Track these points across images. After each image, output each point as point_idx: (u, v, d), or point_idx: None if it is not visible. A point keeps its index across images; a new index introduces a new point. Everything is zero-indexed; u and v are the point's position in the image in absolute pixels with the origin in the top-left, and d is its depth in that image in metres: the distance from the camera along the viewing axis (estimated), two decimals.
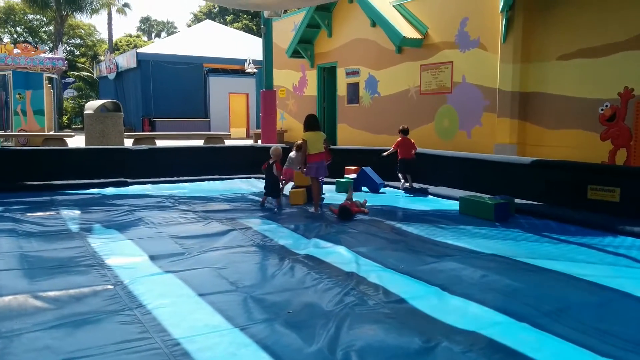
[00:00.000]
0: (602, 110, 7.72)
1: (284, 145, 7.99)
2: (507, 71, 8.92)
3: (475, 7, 9.63)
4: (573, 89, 8.13)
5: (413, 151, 7.98)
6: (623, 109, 7.43)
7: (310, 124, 6.36)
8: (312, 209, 6.42)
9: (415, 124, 11.06)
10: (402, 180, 8.14)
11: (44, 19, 36.90)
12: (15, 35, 37.57)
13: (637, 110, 7.21)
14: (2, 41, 30.89)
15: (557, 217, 5.81)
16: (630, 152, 7.32)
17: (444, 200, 7.32)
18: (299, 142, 6.58)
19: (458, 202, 6.49)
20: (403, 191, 8.07)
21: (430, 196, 7.68)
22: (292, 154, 7.42)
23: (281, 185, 7.06)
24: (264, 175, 6.82)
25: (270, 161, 6.71)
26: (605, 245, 4.80)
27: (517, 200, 6.37)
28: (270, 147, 7.08)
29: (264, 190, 6.79)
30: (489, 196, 6.35)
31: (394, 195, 7.80)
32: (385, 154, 8.25)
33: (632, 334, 2.82)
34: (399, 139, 8.06)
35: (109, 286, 3.49)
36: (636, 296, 3.43)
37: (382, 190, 8.18)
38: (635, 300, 3.38)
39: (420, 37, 10.80)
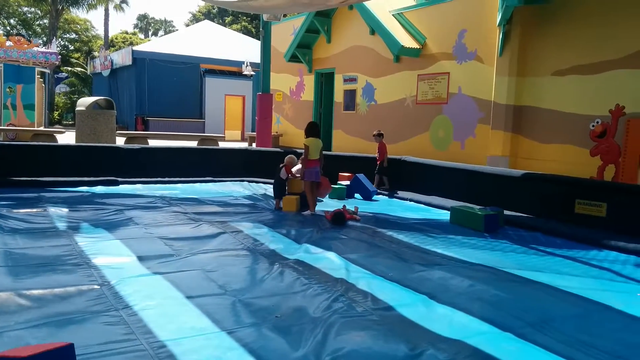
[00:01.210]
0: (593, 126, 7.85)
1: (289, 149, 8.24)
2: (502, 84, 9.04)
3: (474, 19, 9.76)
4: (566, 104, 8.27)
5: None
6: (613, 126, 7.57)
7: (312, 130, 6.68)
8: (306, 212, 6.55)
9: (411, 133, 11.16)
10: (386, 184, 8.63)
11: (39, 12, 36.76)
12: (8, 28, 37.37)
13: (627, 128, 7.34)
14: None
15: (544, 230, 5.90)
16: (618, 168, 7.45)
17: (435, 209, 7.40)
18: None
19: (449, 212, 6.57)
20: (387, 194, 8.44)
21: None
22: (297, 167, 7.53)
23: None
24: (256, 179, 6.94)
25: (281, 165, 6.98)
26: (590, 258, 4.91)
27: (506, 212, 6.46)
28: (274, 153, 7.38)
29: (272, 194, 7.18)
30: (480, 207, 6.43)
31: (386, 203, 7.87)
32: (386, 164, 8.67)
33: (611, 346, 2.90)
34: (382, 143, 8.61)
35: (95, 286, 3.50)
36: (617, 309, 3.52)
37: (374, 197, 8.25)
38: (615, 312, 3.47)
39: (418, 47, 10.92)
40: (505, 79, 8.97)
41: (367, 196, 8.15)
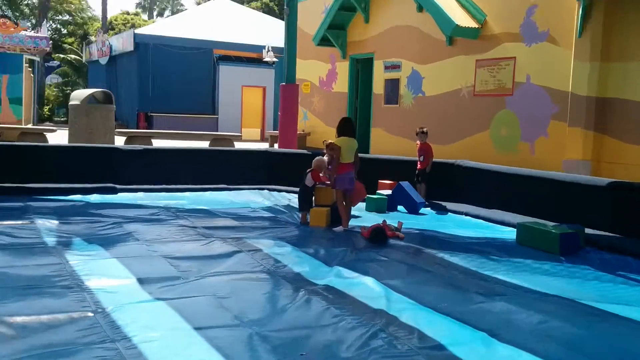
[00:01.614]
0: None
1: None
2: (582, 71, 8.85)
3: None
4: None
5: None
6: None
7: (345, 128, 6.69)
8: (337, 228, 6.54)
9: (467, 131, 11.04)
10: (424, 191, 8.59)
11: None
12: None
13: None
14: None
15: (636, 253, 5.75)
16: None
17: (498, 226, 7.32)
18: (329, 141, 6.73)
19: (515, 229, 6.49)
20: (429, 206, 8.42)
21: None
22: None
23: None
24: (278, 187, 7.00)
25: (307, 170, 7.01)
26: None
27: (588, 231, 6.33)
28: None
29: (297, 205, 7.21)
30: (554, 224, 6.33)
31: (436, 218, 7.81)
32: (429, 169, 8.60)
33: None
34: (427, 143, 8.61)
35: (89, 313, 3.59)
36: None
37: (422, 210, 8.19)
38: None
39: (476, 26, 10.83)
40: (587, 65, 8.79)
41: (413, 209, 8.09)
